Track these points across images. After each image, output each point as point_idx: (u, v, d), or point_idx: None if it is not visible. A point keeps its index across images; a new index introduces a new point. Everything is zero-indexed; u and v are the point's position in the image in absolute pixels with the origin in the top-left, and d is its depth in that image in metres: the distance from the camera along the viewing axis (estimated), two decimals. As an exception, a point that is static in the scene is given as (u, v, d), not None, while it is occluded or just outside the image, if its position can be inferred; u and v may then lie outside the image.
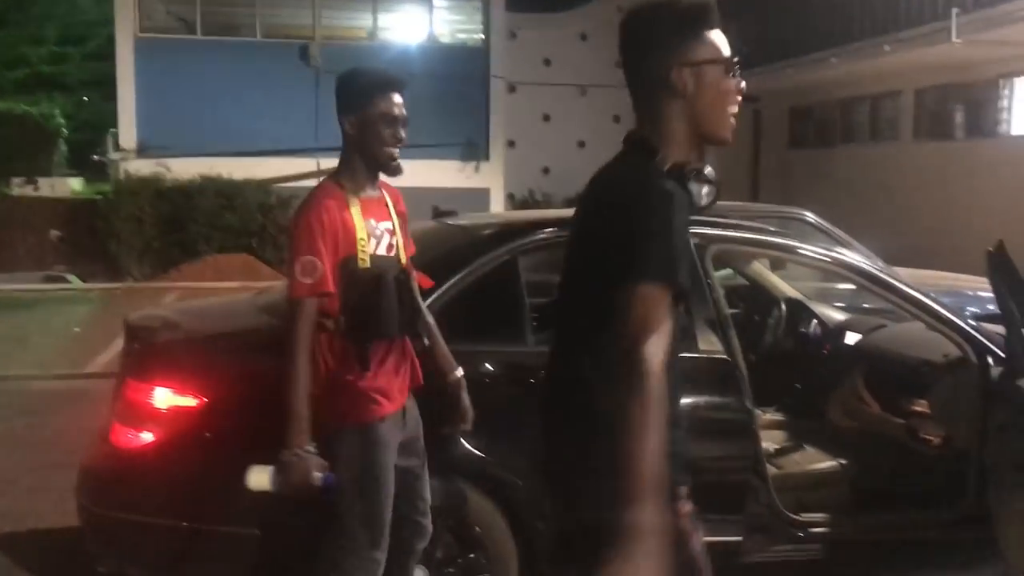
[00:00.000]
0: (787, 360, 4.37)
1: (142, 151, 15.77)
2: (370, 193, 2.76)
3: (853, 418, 4.01)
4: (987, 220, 13.21)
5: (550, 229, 3.35)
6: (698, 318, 3.31)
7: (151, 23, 16.26)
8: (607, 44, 18.62)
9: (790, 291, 4.73)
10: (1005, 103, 13.72)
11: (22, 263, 15.16)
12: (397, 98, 2.71)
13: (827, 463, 3.76)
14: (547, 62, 19.24)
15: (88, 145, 20.22)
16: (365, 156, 2.70)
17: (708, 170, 1.91)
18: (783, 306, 4.49)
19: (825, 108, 18.02)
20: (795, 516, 3.34)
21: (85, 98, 21.81)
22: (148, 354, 3.04)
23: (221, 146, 15.45)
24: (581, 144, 19.47)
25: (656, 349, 1.67)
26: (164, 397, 2.90)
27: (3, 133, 16.00)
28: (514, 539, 3.07)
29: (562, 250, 2.92)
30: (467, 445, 3.02)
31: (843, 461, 3.74)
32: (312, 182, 16.09)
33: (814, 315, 4.47)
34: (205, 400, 2.89)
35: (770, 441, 3.97)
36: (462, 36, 18.06)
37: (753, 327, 4.56)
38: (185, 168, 15.05)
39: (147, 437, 2.91)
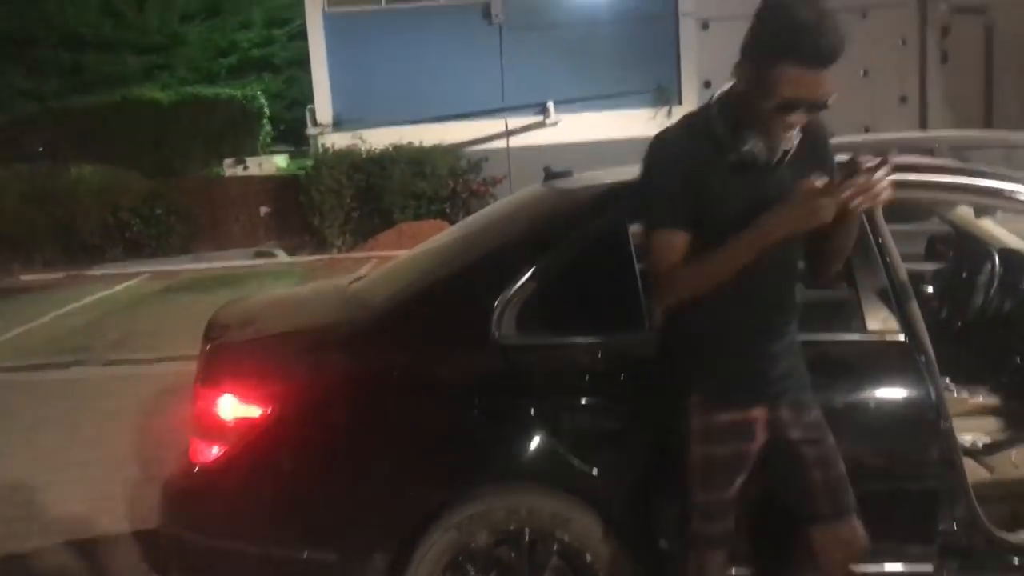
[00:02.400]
0: (1003, 327, 3.52)
1: (338, 125, 16.12)
2: None
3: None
4: None
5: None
6: (865, 289, 2.62)
7: (338, -3, 16.51)
8: (807, -34, 16.89)
9: (1010, 240, 3.83)
10: None
11: (236, 240, 16.03)
12: None
13: (1055, 464, 2.95)
14: (743, -7, 17.87)
15: (298, 122, 21.07)
16: None
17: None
18: (997, 259, 3.62)
19: (1073, 11, 15.59)
20: (1007, 535, 2.60)
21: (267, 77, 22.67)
22: (214, 356, 2.75)
23: (411, 113, 15.53)
24: (785, 78, 18.02)
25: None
26: (229, 406, 2.60)
27: (212, 117, 16.87)
28: (632, 565, 2.55)
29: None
30: (571, 456, 2.52)
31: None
32: (501, 143, 16.02)
33: (1034, 267, 3.58)
34: (269, 410, 2.56)
35: (979, 433, 3.19)
36: (648, -25, 17.09)
37: (960, 286, 3.73)
38: (378, 138, 15.26)
39: (215, 452, 2.62)
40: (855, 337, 2.59)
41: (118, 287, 12.56)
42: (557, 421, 2.54)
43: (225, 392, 2.61)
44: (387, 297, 2.82)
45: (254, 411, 2.57)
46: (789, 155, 2.16)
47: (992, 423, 3.29)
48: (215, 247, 15.75)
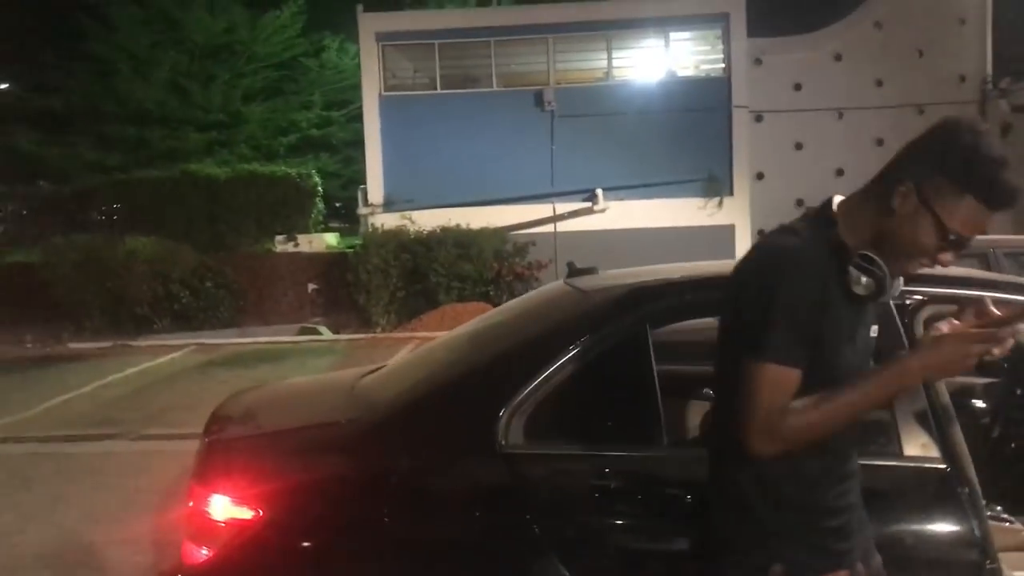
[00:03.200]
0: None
1: (388, 205, 16.34)
2: None
3: None
4: None
5: (695, 289, 2.62)
6: (902, 410, 2.42)
7: (395, 81, 16.89)
8: (865, 62, 17.09)
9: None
10: None
11: (283, 315, 16.14)
12: None
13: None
14: (797, 87, 17.87)
15: (352, 200, 21.44)
16: None
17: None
18: (1055, 377, 3.38)
19: None
20: None
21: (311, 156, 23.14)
22: (208, 453, 2.63)
23: (460, 196, 15.71)
24: (839, 172, 17.85)
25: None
26: (221, 506, 2.47)
27: (266, 194, 17.21)
28: None
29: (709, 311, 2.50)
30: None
31: None
32: (549, 228, 16.04)
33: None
34: (261, 512, 2.42)
35: (1034, 571, 2.90)
36: (702, 68, 17.24)
37: (1015, 404, 3.48)
38: (427, 219, 15.41)
39: (204, 554, 2.48)
40: (890, 462, 2.38)
41: (162, 359, 12.65)
42: (563, 540, 2.35)
43: (217, 492, 2.48)
44: (391, 396, 2.69)
45: (245, 513, 2.43)
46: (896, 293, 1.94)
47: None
48: (262, 322, 15.88)
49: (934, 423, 2.40)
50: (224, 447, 2.68)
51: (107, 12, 20.99)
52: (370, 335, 14.46)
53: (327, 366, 11.86)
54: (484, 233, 15.09)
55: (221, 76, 22.35)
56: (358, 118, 17.83)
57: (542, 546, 2.36)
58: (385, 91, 16.57)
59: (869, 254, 1.84)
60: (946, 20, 17.93)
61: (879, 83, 17.98)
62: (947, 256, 1.83)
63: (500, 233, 15.39)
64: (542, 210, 16.15)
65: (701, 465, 2.42)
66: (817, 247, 1.86)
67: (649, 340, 2.50)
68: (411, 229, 15.33)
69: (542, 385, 2.47)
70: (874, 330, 1.99)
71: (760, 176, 17.69)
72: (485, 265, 14.97)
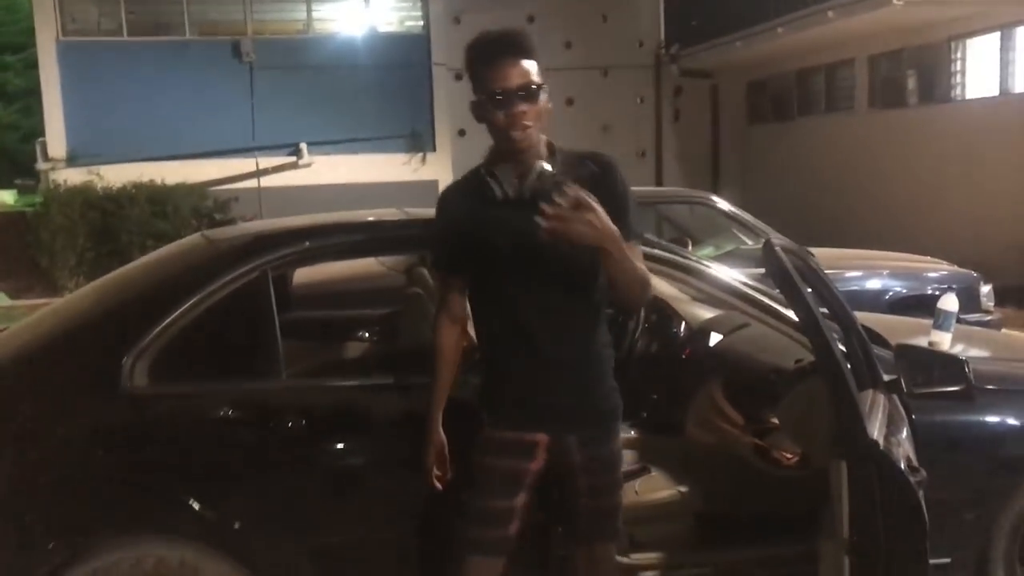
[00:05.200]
0: (647, 368, 3.88)
1: (72, 159, 15.21)
2: None
3: (709, 434, 3.52)
4: (946, 190, 12.73)
5: (314, 236, 2.87)
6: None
7: (74, 26, 15.65)
8: (556, 26, 18.00)
9: (662, 289, 4.23)
10: (957, 66, 13.21)
11: (-49, 283, 14.63)
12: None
13: (667, 491, 3.27)
14: (494, 47, 18.65)
15: (33, 155, 19.64)
16: None
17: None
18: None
19: (781, 81, 17.51)
20: (625, 559, 2.87)
21: None
22: None
23: (154, 150, 14.91)
24: (533, 130, 18.88)
25: None
26: None
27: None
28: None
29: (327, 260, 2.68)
30: (198, 504, 2.53)
31: (683, 488, 3.25)
32: (252, 183, 15.62)
33: (677, 314, 3.98)
34: None
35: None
36: (401, 24, 17.49)
37: (615, 329, 4.08)
38: (117, 175, 14.51)
39: None
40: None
41: None
42: (184, 470, 2.55)
43: None
44: (14, 348, 2.72)
45: None
46: (550, 182, 2.26)
47: (629, 457, 3.59)
48: (-76, 289, 14.28)
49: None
50: None
51: None
52: (55, 300, 13.51)
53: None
54: (181, 189, 14.46)
55: None
56: (37, 64, 16.35)
57: (168, 481, 2.54)
58: (64, 36, 15.30)
59: (490, 168, 2.37)
60: (625, -12, 19.37)
61: (568, 45, 19.11)
62: (517, 109, 2.27)
63: (199, 189, 14.82)
64: (244, 165, 15.74)
65: (316, 393, 2.71)
66: (466, 181, 2.47)
67: (269, 283, 2.72)
68: (99, 185, 14.40)
69: (167, 329, 2.62)
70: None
71: (462, 133, 18.27)
72: (183, 222, 14.36)
